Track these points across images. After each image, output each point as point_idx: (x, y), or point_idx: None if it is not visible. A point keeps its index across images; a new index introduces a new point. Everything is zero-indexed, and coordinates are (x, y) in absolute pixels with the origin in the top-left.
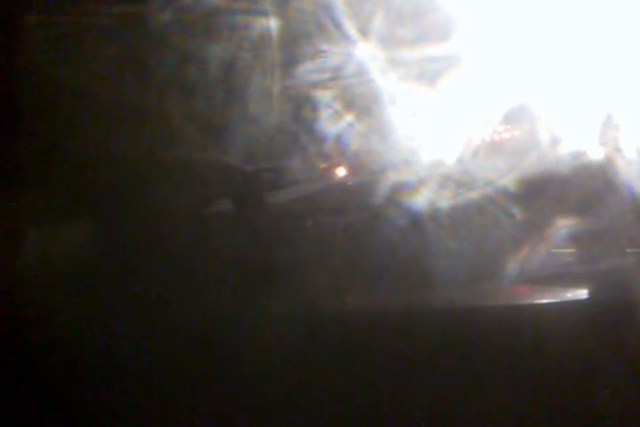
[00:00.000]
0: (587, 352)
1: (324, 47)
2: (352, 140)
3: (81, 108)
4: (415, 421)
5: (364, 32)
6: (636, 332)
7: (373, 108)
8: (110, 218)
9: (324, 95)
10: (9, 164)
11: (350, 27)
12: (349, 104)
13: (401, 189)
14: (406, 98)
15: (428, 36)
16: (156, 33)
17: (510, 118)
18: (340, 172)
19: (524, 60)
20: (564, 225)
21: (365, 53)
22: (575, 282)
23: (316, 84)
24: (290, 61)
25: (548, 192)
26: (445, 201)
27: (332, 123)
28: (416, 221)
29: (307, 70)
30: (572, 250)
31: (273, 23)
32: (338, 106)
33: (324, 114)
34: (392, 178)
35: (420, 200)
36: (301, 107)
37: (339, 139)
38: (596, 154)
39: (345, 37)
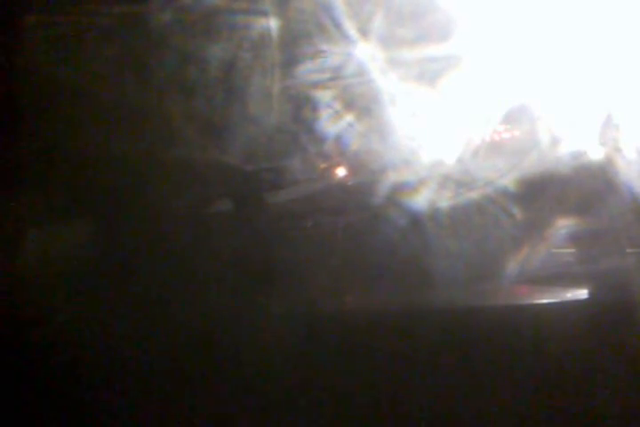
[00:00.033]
0: (587, 352)
1: (324, 47)
2: (352, 140)
3: (81, 108)
4: (415, 421)
5: (363, 32)
6: (636, 332)
7: (373, 108)
8: (110, 218)
9: (323, 95)
10: (9, 164)
11: (350, 27)
12: (349, 104)
13: (401, 189)
14: (406, 98)
15: (428, 36)
16: (156, 33)
17: (510, 118)
18: (340, 172)
19: (524, 60)
20: (563, 225)
21: (365, 53)
22: (575, 282)
23: (316, 84)
24: (290, 61)
25: (547, 192)
26: (445, 201)
27: (332, 123)
28: (416, 221)
29: (307, 70)
30: (572, 250)
31: (273, 23)
32: (338, 106)
33: (324, 114)
34: (392, 178)
35: (420, 200)
36: (301, 107)
37: (339, 139)
38: (595, 154)
39: (345, 37)
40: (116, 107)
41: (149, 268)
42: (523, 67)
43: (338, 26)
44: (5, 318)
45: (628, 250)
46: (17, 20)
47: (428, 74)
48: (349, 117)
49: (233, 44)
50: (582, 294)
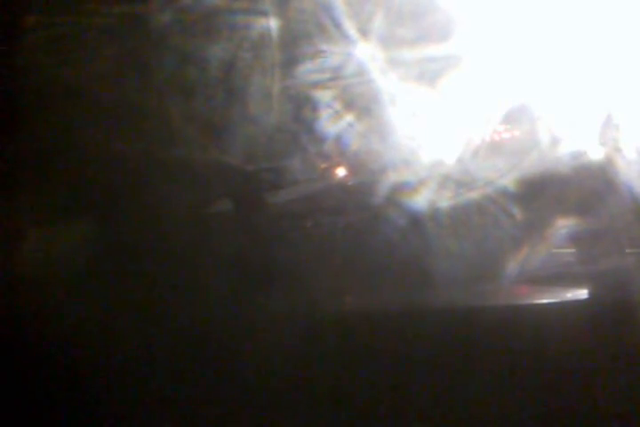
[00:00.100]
0: (587, 352)
1: (324, 47)
2: (352, 140)
3: (81, 108)
4: (415, 421)
5: (363, 32)
6: (636, 332)
7: (373, 108)
8: (110, 218)
9: (323, 95)
10: (9, 164)
11: (350, 27)
12: (349, 104)
13: (401, 189)
14: (406, 98)
15: (428, 36)
16: (156, 33)
17: (510, 118)
18: (340, 172)
19: (524, 61)
20: (563, 225)
21: (365, 53)
22: (575, 282)
23: (316, 84)
24: (290, 61)
25: (547, 192)
26: (445, 201)
27: (332, 123)
28: (416, 221)
29: (307, 70)
30: (572, 250)
31: (273, 23)
32: (338, 106)
33: (324, 114)
34: (392, 178)
35: (420, 200)
36: (301, 107)
37: (339, 139)
38: (595, 154)
39: (345, 37)
40: (116, 107)
41: (149, 268)
42: (523, 67)
43: (338, 26)
44: (5, 318)
45: (628, 250)
46: (17, 20)
47: (428, 74)
48: (349, 117)
49: (233, 44)
50: (582, 294)
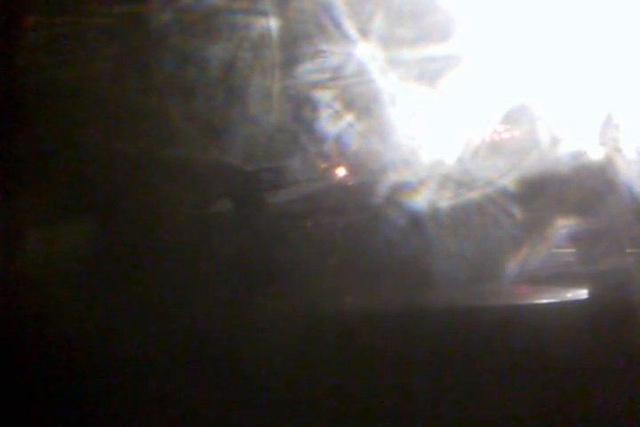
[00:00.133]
0: (587, 352)
1: (324, 47)
2: (352, 140)
3: (81, 108)
4: (415, 421)
5: (363, 32)
6: (636, 332)
7: (373, 108)
8: (110, 218)
9: (323, 95)
10: (9, 164)
11: (350, 27)
12: (349, 104)
13: (401, 189)
14: (406, 98)
15: (428, 36)
16: (156, 33)
17: (510, 118)
18: (340, 172)
19: (524, 61)
20: (564, 225)
21: (365, 53)
22: (575, 282)
23: (316, 84)
24: (290, 61)
25: (547, 192)
26: (445, 201)
27: (332, 123)
28: (416, 221)
29: (307, 70)
30: (572, 250)
31: (273, 23)
32: (338, 106)
33: (324, 114)
34: (392, 178)
35: (420, 200)
36: (301, 107)
37: (339, 139)
38: (595, 154)
39: (345, 37)
40: (116, 107)
41: (149, 268)
42: (523, 67)
43: (338, 26)
44: (5, 318)
45: (628, 250)
46: (17, 21)
47: (428, 74)
48: (349, 117)
49: (233, 44)
50: (582, 294)
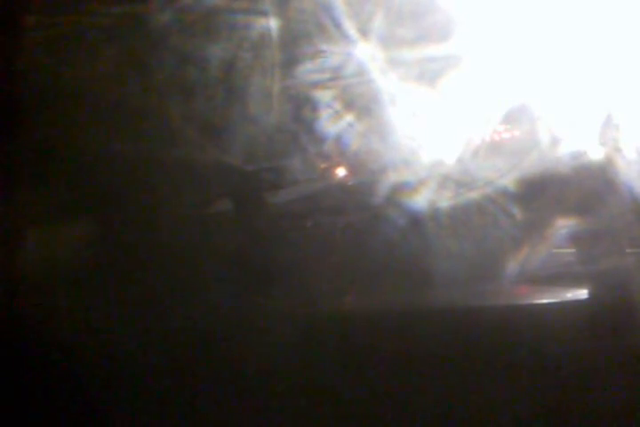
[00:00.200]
0: (587, 352)
1: (324, 47)
2: (352, 140)
3: (81, 108)
4: (415, 420)
5: (364, 32)
6: (636, 332)
7: (373, 108)
8: (110, 218)
9: (323, 95)
10: (9, 163)
11: (350, 27)
12: (349, 104)
13: (401, 189)
14: (406, 98)
15: (428, 36)
16: (156, 33)
17: (510, 118)
18: (340, 172)
19: (524, 60)
20: (563, 225)
21: (365, 53)
22: (575, 282)
23: (316, 84)
24: (290, 61)
25: (547, 192)
26: (445, 201)
27: (332, 123)
28: (416, 221)
29: (307, 70)
30: (572, 250)
31: (273, 23)
32: (338, 106)
33: (324, 114)
34: (392, 178)
35: (420, 200)
36: (301, 107)
37: (339, 139)
38: (596, 154)
39: (345, 37)
40: (116, 107)
41: (149, 268)
42: (523, 67)
43: (338, 26)
44: (5, 318)
45: (628, 250)
46: (17, 20)
47: (428, 74)
48: (349, 117)
49: (233, 44)
50: (582, 294)
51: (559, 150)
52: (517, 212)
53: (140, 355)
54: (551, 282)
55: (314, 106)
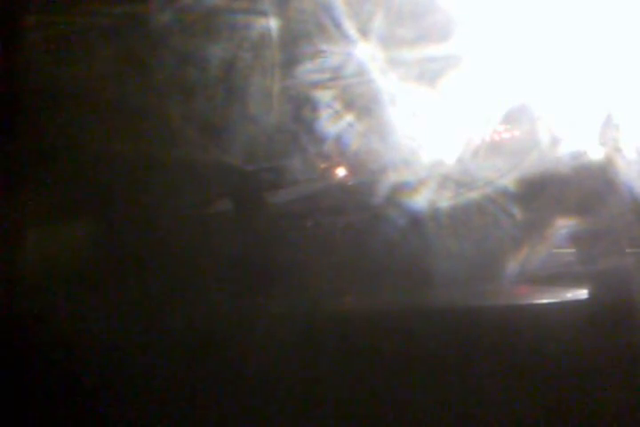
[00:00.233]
0: (587, 352)
1: (324, 47)
2: (352, 140)
3: (81, 108)
4: (415, 420)
5: (364, 32)
6: (636, 332)
7: (373, 108)
8: (110, 218)
9: (323, 95)
10: (9, 164)
11: (350, 27)
12: (349, 104)
13: (401, 189)
14: (406, 98)
15: (428, 36)
16: (156, 33)
17: (510, 118)
18: (340, 172)
19: (524, 61)
20: (564, 225)
21: (365, 53)
22: (575, 282)
23: (316, 84)
24: (290, 61)
25: (547, 192)
26: (445, 201)
27: (332, 123)
28: (416, 221)
29: (307, 70)
30: (572, 250)
31: (273, 23)
32: (338, 106)
33: (324, 114)
34: (392, 178)
35: (420, 200)
36: (301, 107)
37: (339, 139)
38: (596, 154)
39: (345, 37)
40: (117, 107)
41: (149, 268)
42: (523, 67)
43: (338, 26)
44: (5, 318)
45: (628, 250)
46: (17, 20)
47: (428, 74)
48: (349, 117)
49: (233, 44)
50: (582, 294)
51: (559, 150)
52: (517, 212)
53: (140, 355)
54: (551, 282)
55: (314, 106)
